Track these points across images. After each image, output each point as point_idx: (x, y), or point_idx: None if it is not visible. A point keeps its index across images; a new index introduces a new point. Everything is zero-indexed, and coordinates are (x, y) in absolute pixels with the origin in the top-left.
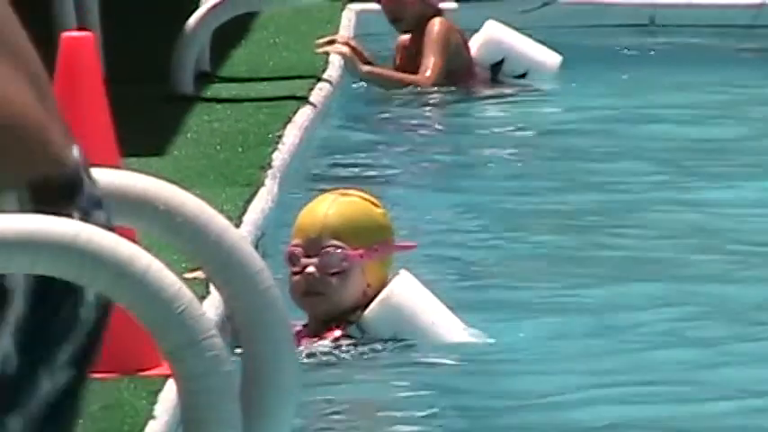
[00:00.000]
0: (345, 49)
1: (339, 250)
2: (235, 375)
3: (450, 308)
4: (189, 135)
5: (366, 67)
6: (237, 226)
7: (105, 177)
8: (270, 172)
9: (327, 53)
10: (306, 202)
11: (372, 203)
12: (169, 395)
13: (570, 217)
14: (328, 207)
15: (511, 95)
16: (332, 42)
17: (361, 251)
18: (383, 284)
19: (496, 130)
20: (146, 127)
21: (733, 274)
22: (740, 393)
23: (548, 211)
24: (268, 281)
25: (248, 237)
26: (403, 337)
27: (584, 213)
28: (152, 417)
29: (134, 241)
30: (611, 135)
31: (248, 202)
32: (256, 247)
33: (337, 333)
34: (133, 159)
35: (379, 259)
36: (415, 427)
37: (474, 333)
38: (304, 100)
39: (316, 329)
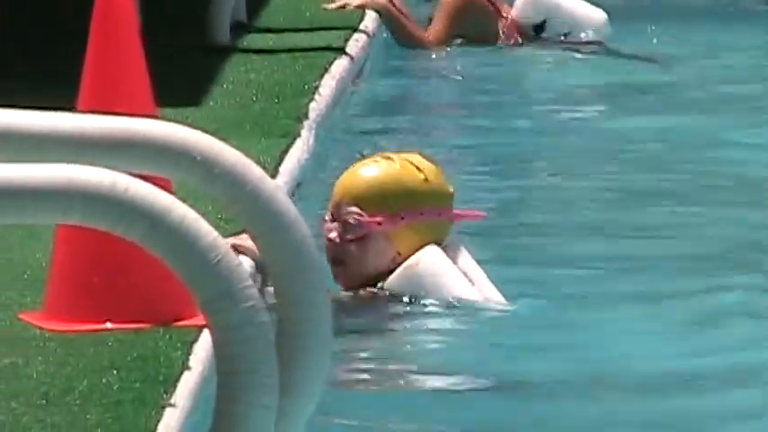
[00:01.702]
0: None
1: (354, 217)
2: (270, 326)
3: (496, 285)
4: (225, 85)
5: (409, 25)
6: (273, 177)
7: (141, 126)
8: (306, 123)
9: (342, 7)
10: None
11: (417, 168)
12: (204, 346)
13: (612, 190)
14: (356, 171)
15: (551, 56)
16: (344, 6)
17: (378, 218)
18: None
19: (530, 88)
20: (182, 77)
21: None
22: None
23: (588, 186)
24: (303, 231)
25: (284, 187)
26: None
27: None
28: (187, 367)
29: (170, 191)
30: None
31: (284, 152)
32: (292, 198)
33: (362, 292)
34: (169, 110)
35: (410, 227)
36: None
37: (501, 310)
38: (340, 51)
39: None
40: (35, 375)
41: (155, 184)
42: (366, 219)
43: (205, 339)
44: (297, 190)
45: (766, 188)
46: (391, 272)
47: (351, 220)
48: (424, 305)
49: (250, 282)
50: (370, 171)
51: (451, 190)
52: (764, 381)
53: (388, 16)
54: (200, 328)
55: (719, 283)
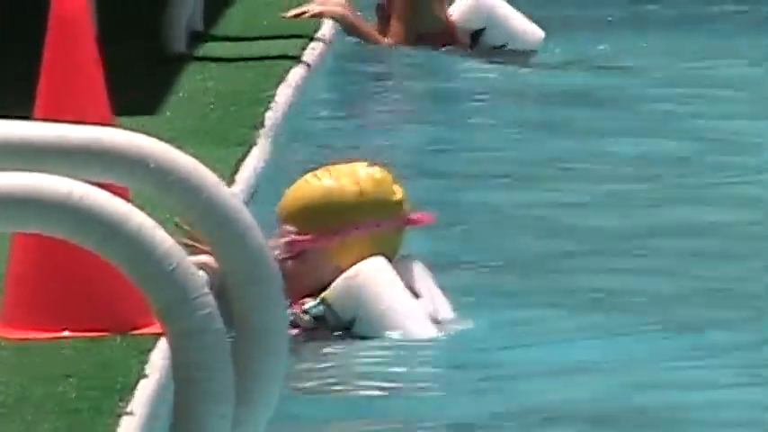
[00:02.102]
0: (339, 8)
1: (287, 236)
2: (226, 334)
3: (443, 289)
4: (181, 94)
5: (350, 14)
6: (230, 185)
7: (98, 135)
8: (262, 131)
9: (321, 15)
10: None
11: (354, 181)
12: (161, 354)
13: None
14: (293, 188)
15: (488, 65)
16: (301, 15)
17: (309, 237)
18: None
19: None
20: (137, 86)
21: None
22: None
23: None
24: (259, 238)
25: (240, 195)
26: (358, 326)
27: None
28: (144, 375)
29: (127, 199)
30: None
31: (240, 161)
32: (248, 206)
33: (295, 309)
34: (125, 118)
35: (349, 242)
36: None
37: (445, 323)
38: (297, 59)
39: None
40: None
41: (112, 192)
42: (297, 238)
43: (162, 347)
44: (253, 198)
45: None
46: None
47: (286, 239)
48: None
49: (206, 289)
50: (303, 189)
51: (398, 198)
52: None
53: (346, 23)
54: (156, 336)
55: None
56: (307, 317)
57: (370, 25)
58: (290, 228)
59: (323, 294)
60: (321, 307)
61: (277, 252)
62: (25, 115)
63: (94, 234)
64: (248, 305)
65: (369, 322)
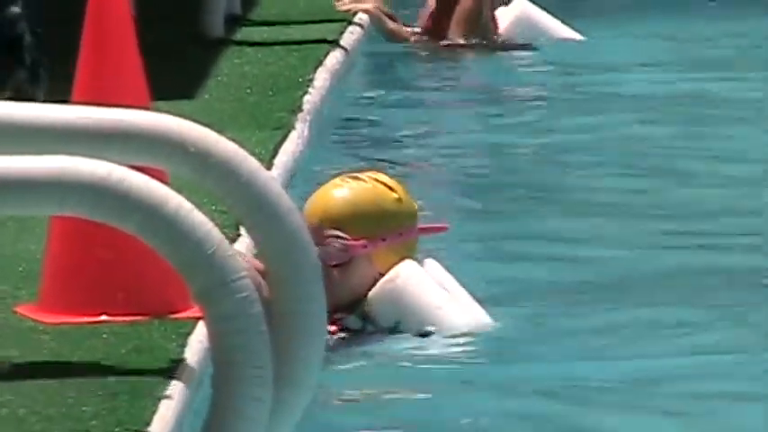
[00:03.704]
0: (369, 6)
1: (339, 242)
2: (264, 317)
3: (473, 294)
4: (219, 78)
5: (392, 25)
6: (268, 169)
7: (136, 118)
8: (300, 115)
9: (350, 9)
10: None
11: (387, 187)
12: (199, 337)
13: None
14: (333, 193)
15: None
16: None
17: (363, 242)
18: None
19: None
20: (176, 70)
21: None
22: None
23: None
24: (297, 222)
25: (278, 179)
26: (404, 326)
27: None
28: (182, 359)
29: (166, 183)
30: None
31: (279, 145)
32: (286, 191)
33: (332, 328)
34: (164, 103)
35: (389, 248)
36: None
37: (484, 323)
38: (335, 43)
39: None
40: (30, 368)
41: (150, 175)
42: (351, 242)
43: (200, 331)
44: (291, 182)
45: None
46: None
47: (336, 245)
48: (389, 342)
49: (244, 273)
50: (347, 193)
51: (416, 205)
52: None
53: (393, 37)
54: (195, 320)
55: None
56: (344, 334)
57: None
58: (336, 232)
59: (362, 308)
60: (359, 321)
61: (322, 259)
62: (65, 100)
63: (133, 217)
64: (286, 289)
65: (414, 323)
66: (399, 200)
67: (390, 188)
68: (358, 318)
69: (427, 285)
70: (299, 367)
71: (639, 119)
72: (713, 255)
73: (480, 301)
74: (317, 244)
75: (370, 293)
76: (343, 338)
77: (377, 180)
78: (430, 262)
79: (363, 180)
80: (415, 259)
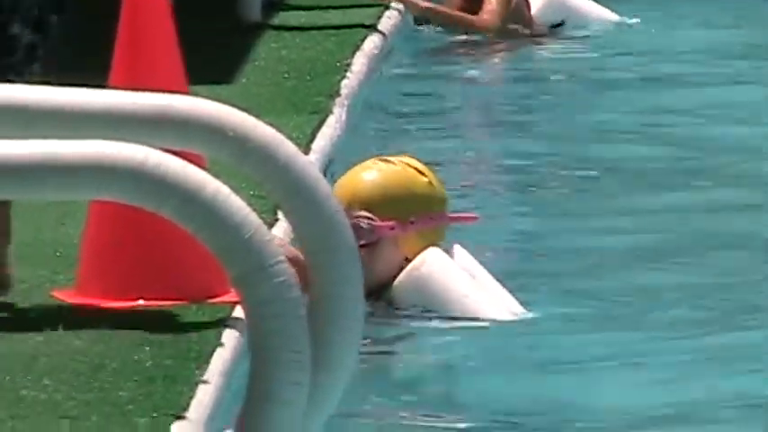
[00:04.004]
0: None
1: (367, 222)
2: (301, 301)
3: (500, 281)
4: (257, 63)
5: (425, 3)
6: (306, 153)
7: (174, 103)
8: (338, 100)
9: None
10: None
11: (418, 171)
12: (237, 322)
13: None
14: (362, 175)
15: (569, 51)
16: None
17: (391, 223)
18: None
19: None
20: (214, 55)
21: None
22: None
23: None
24: (335, 207)
25: (316, 164)
26: (430, 311)
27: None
28: (220, 344)
29: (203, 168)
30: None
31: (317, 129)
32: (324, 175)
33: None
34: (201, 87)
35: (418, 232)
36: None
37: (511, 311)
38: (372, 28)
39: None
40: (67, 352)
41: (187, 160)
42: (379, 223)
43: (238, 315)
44: (329, 167)
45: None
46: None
47: (364, 225)
48: (428, 318)
49: (282, 257)
50: (377, 175)
51: (446, 193)
52: None
53: (428, 15)
54: (232, 305)
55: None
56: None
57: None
58: (365, 213)
59: (388, 293)
60: (386, 307)
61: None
62: (102, 85)
63: (170, 201)
64: (323, 273)
65: (440, 311)
66: (430, 184)
67: (421, 172)
68: (384, 303)
69: (453, 273)
70: (336, 351)
71: None
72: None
73: (510, 290)
74: None
75: (397, 280)
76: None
77: (407, 164)
78: (458, 249)
79: (393, 163)
80: (443, 247)
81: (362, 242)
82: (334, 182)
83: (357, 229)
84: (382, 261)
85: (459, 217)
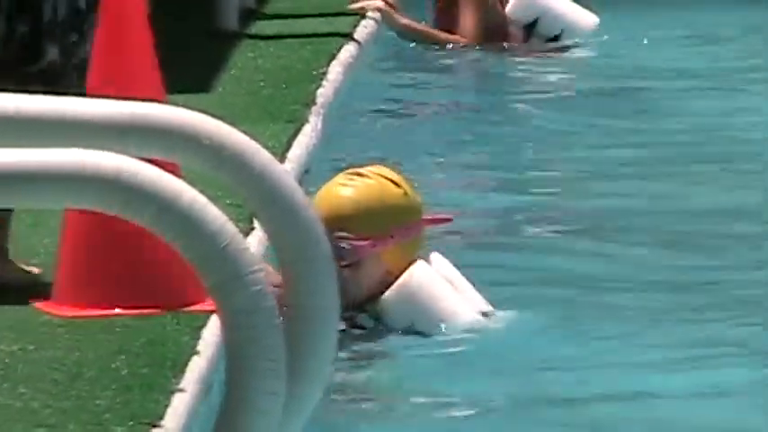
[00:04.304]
0: (380, 3)
1: (348, 243)
2: (277, 311)
3: (478, 289)
4: (233, 72)
5: (404, 20)
6: (282, 162)
7: (150, 111)
8: (314, 108)
9: (363, 9)
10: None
11: (392, 182)
12: (213, 330)
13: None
14: (338, 194)
15: (545, 56)
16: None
17: (370, 241)
18: (405, 269)
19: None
20: (190, 63)
21: None
22: None
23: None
24: (311, 216)
25: (292, 172)
26: (419, 327)
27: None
28: (195, 352)
29: (179, 176)
30: (647, 92)
31: (292, 138)
32: (300, 184)
33: (341, 327)
34: (178, 96)
35: (398, 244)
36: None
37: (497, 321)
38: (348, 36)
39: None
40: (44, 361)
41: (163, 168)
42: (360, 243)
43: (214, 324)
44: (305, 176)
45: None
46: (381, 292)
47: (345, 245)
48: (400, 339)
49: (258, 266)
50: (352, 192)
51: (419, 198)
52: None
53: (406, 32)
54: (208, 313)
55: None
56: (357, 332)
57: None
58: (342, 234)
59: (375, 306)
60: (372, 321)
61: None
62: (80, 93)
63: (147, 210)
64: (299, 282)
65: (427, 325)
66: (405, 194)
67: (395, 183)
68: (370, 317)
69: (440, 287)
70: (312, 361)
71: None
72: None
73: (485, 295)
74: None
75: (384, 296)
76: (357, 335)
77: (381, 175)
78: (435, 256)
79: (368, 176)
80: (421, 256)
81: (345, 263)
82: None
83: (338, 249)
84: (365, 277)
85: (435, 219)
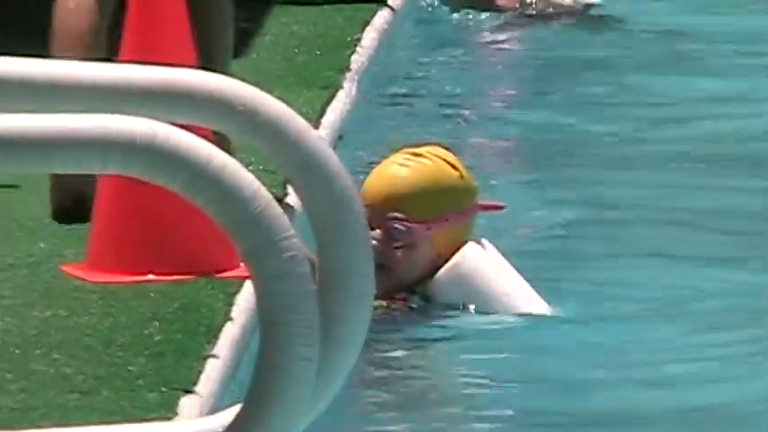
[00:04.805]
0: None
1: (403, 224)
2: (312, 276)
3: (527, 278)
4: (267, 38)
5: None
6: (316, 128)
7: (184, 77)
8: (348, 75)
9: None
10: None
11: (449, 164)
12: (247, 297)
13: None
14: (394, 173)
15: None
16: None
17: (428, 224)
18: (455, 252)
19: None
20: None
21: None
22: None
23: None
24: (346, 182)
25: (326, 139)
26: (471, 307)
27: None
28: (229, 318)
29: (211, 142)
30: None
31: (326, 104)
32: (334, 150)
33: (395, 306)
34: None
35: (451, 227)
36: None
37: (548, 306)
38: (382, 3)
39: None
40: (77, 327)
41: (196, 133)
42: (416, 225)
43: (247, 290)
44: (339, 141)
45: None
46: (431, 274)
47: (400, 227)
48: (453, 320)
49: (292, 231)
50: (408, 172)
51: (475, 182)
52: None
53: None
54: (242, 279)
55: None
56: (409, 312)
57: None
58: (399, 215)
59: (425, 287)
60: (423, 302)
61: (376, 243)
62: (111, 59)
63: (180, 175)
64: (333, 249)
65: (479, 307)
66: (461, 177)
67: (452, 165)
68: (421, 299)
69: (493, 269)
70: (345, 327)
71: None
72: None
73: (534, 285)
74: (380, 226)
75: (437, 276)
76: (407, 316)
77: (438, 157)
78: (485, 242)
79: (425, 157)
80: (473, 239)
81: (398, 244)
82: (354, 161)
83: (393, 230)
84: (417, 259)
85: (489, 206)
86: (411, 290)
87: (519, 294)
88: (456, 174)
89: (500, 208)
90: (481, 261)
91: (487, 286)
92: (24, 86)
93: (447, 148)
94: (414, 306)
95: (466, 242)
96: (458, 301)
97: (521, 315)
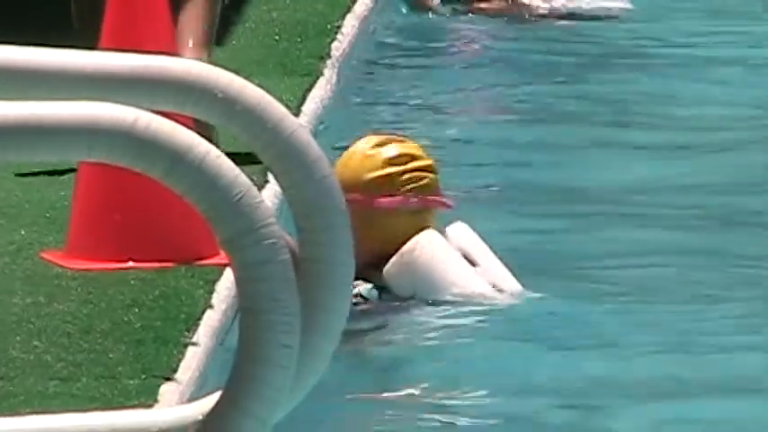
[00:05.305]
0: None
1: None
2: (291, 264)
3: (501, 259)
4: (247, 25)
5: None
6: (296, 115)
7: (163, 64)
8: (329, 62)
9: None
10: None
11: (422, 151)
12: (226, 284)
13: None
14: (358, 157)
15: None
16: None
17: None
18: (409, 239)
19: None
20: None
21: None
22: None
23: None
24: (325, 169)
25: (307, 126)
26: (421, 295)
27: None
28: (209, 306)
29: (191, 128)
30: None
31: (307, 91)
32: (315, 137)
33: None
34: None
35: (407, 211)
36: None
37: (511, 291)
38: None
39: None
40: (57, 314)
41: (177, 120)
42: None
43: (227, 278)
44: (319, 128)
45: None
46: (384, 261)
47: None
48: (405, 310)
49: (272, 219)
50: (362, 159)
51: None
52: None
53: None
54: (222, 267)
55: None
56: (361, 299)
57: None
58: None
59: (379, 276)
60: (375, 291)
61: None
62: (92, 47)
63: (160, 163)
64: (314, 236)
65: (431, 295)
66: (431, 166)
67: (424, 152)
68: (374, 288)
69: (447, 256)
70: (326, 314)
71: None
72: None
73: (510, 268)
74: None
75: (388, 264)
76: (357, 305)
77: (400, 143)
78: (458, 226)
79: (387, 144)
80: (437, 228)
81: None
82: (333, 146)
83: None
84: (376, 240)
85: (435, 201)
86: (365, 279)
87: (474, 280)
88: (429, 161)
89: (447, 206)
90: (434, 247)
91: (437, 272)
92: (4, 74)
93: (409, 139)
94: (365, 296)
95: (422, 229)
96: (408, 288)
97: (472, 303)
